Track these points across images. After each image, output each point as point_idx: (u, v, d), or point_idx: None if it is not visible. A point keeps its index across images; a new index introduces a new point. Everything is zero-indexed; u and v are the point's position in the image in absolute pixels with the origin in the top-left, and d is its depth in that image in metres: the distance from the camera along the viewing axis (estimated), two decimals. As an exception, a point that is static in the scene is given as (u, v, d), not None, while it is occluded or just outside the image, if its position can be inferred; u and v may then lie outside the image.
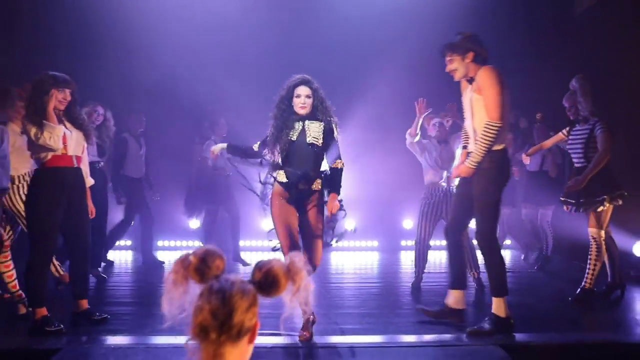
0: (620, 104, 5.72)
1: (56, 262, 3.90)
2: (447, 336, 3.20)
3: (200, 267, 1.20)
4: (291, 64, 4.18)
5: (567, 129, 4.26)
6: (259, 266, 1.23)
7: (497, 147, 3.14)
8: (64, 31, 6.00)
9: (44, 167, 3.19)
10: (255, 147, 3.45)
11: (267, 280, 1.22)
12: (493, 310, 3.17)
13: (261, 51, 6.29)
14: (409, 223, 6.86)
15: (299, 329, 3.04)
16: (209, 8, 6.21)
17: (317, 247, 3.22)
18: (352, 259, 6.09)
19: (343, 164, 3.34)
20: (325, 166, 3.34)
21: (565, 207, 4.18)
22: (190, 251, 1.23)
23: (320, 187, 3.28)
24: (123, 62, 6.03)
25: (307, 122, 3.30)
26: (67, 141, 3.18)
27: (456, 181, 3.81)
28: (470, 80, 3.31)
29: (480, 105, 3.21)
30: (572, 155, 4.21)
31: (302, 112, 3.29)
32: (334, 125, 3.31)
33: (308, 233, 3.23)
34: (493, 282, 3.23)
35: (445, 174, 4.50)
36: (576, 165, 4.14)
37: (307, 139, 3.26)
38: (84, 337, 3.09)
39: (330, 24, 6.27)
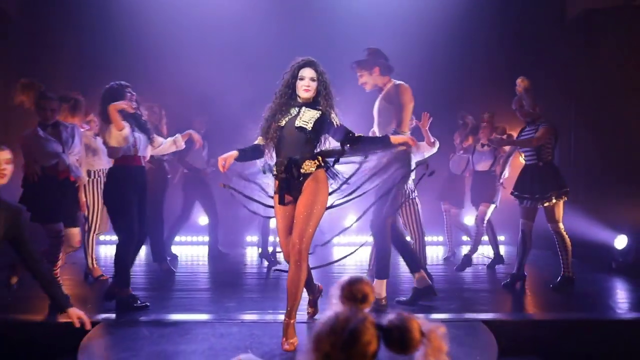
0: (610, 107, 6.13)
1: (94, 256, 4.44)
2: (435, 315, 3.64)
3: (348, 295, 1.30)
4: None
5: (520, 132, 4.68)
6: (396, 320, 1.22)
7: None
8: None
9: (118, 165, 3.72)
10: (260, 141, 3.24)
11: (398, 338, 1.21)
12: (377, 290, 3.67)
13: (264, 49, 6.58)
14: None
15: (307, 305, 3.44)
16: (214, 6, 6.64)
17: (301, 229, 3.03)
18: (355, 254, 6.49)
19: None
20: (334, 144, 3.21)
21: (520, 202, 4.55)
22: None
23: (313, 169, 3.10)
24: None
25: (304, 108, 3.16)
26: (137, 143, 3.73)
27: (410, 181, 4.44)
28: (380, 90, 3.85)
29: (387, 114, 3.76)
30: (524, 154, 4.61)
31: (305, 95, 3.14)
32: (332, 117, 3.14)
33: (297, 214, 3.08)
34: (377, 265, 3.82)
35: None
36: (527, 163, 4.55)
37: (296, 123, 3.12)
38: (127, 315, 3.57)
39: (334, 20, 6.69)
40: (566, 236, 4.40)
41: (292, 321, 3.06)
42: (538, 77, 6.41)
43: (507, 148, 5.20)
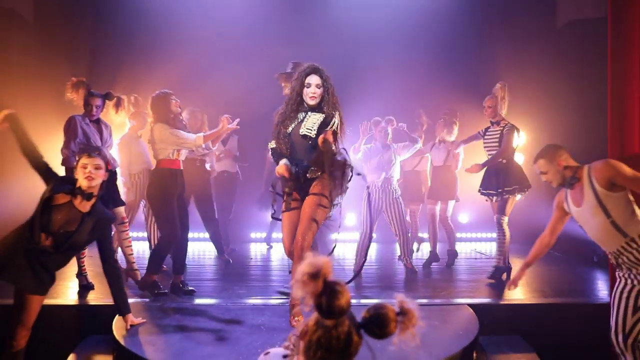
0: (598, 112, 6.56)
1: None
2: (423, 300, 4.11)
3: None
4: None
5: (483, 130, 5.05)
6: (372, 308, 1.39)
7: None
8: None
9: (161, 168, 4.18)
10: (273, 144, 3.54)
11: (376, 323, 1.37)
12: None
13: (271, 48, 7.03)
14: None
15: None
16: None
17: (304, 229, 3.34)
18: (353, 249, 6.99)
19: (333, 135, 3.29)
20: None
21: (488, 199, 4.91)
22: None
23: (318, 174, 3.39)
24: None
25: (309, 113, 3.42)
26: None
27: (395, 181, 5.20)
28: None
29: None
30: (488, 153, 4.97)
31: (312, 102, 3.40)
32: (334, 120, 3.38)
33: (302, 214, 3.40)
34: None
35: (383, 174, 5.26)
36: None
37: (300, 130, 3.37)
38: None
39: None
40: (507, 229, 4.78)
41: (297, 303, 3.53)
42: (529, 79, 6.98)
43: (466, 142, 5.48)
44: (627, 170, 2.94)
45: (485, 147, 5.05)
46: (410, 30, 7.18)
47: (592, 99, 6.02)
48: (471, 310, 3.77)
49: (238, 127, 4.34)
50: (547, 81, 7.08)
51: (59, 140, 4.42)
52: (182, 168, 4.31)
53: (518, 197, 4.81)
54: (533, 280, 4.87)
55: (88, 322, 3.76)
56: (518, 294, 4.30)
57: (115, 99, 4.44)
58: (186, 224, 4.31)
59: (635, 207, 2.99)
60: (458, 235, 7.55)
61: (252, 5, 7.20)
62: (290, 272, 3.63)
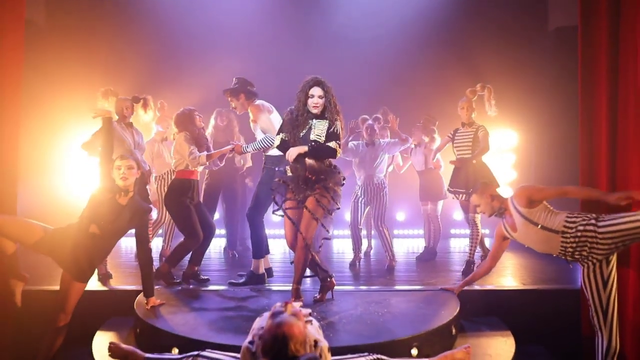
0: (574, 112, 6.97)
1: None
2: (413, 287, 4.64)
3: None
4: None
5: (452, 133, 5.41)
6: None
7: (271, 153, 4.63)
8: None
9: (180, 178, 4.65)
10: (283, 136, 4.02)
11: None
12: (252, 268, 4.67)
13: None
14: (401, 215, 8.20)
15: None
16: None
17: (306, 224, 3.87)
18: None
19: (337, 147, 3.89)
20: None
21: (455, 196, 5.31)
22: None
23: (323, 177, 3.90)
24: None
25: (315, 121, 3.92)
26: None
27: (382, 176, 5.66)
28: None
29: (262, 129, 4.69)
30: (458, 152, 5.31)
31: (314, 111, 3.89)
32: (336, 126, 3.90)
33: (305, 213, 3.90)
34: (253, 246, 4.72)
35: (364, 171, 5.68)
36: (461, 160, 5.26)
37: (311, 136, 3.90)
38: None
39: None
40: (480, 226, 5.19)
41: (298, 286, 4.05)
42: (522, 81, 7.41)
43: (441, 146, 5.83)
44: (538, 187, 3.81)
45: (456, 147, 5.37)
46: (403, 32, 7.59)
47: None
48: (455, 295, 4.25)
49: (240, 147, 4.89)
50: (538, 83, 7.50)
51: (73, 135, 4.87)
52: (198, 179, 4.78)
53: None
54: (516, 269, 5.36)
55: (109, 305, 4.26)
56: (500, 282, 4.78)
57: (141, 100, 4.93)
58: (209, 224, 4.79)
59: (552, 209, 3.74)
60: (453, 231, 8.12)
61: (254, 9, 7.70)
62: (291, 262, 4.13)
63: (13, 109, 3.91)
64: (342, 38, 7.63)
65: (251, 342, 2.37)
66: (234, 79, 4.89)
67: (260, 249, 4.74)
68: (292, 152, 3.91)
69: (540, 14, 7.87)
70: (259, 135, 4.75)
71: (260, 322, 2.52)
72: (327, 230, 4.70)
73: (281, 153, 4.16)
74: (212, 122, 6.09)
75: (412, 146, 6.18)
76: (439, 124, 6.38)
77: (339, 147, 3.96)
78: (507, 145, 7.80)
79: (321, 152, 3.91)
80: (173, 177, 4.94)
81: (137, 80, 6.90)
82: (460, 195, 5.28)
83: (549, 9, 7.92)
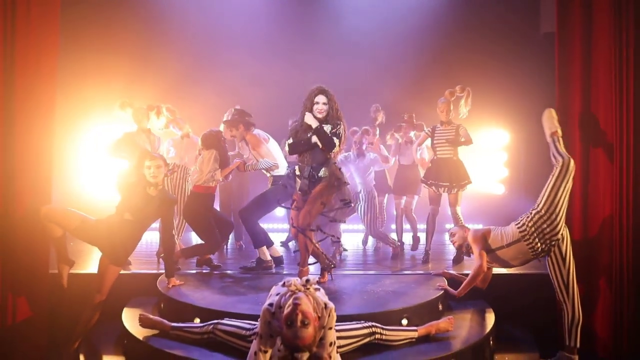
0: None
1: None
2: (407, 272, 5.21)
3: None
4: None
5: (429, 130, 5.82)
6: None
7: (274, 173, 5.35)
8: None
9: (198, 192, 5.09)
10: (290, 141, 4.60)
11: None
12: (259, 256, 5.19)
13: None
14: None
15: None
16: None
17: (305, 211, 4.40)
18: (352, 239, 8.03)
19: (337, 143, 4.42)
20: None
21: (436, 189, 5.65)
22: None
23: (326, 174, 4.44)
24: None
25: (320, 125, 4.45)
26: (215, 176, 5.15)
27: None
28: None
29: (257, 154, 5.35)
30: (438, 149, 5.70)
31: (319, 116, 4.44)
32: (339, 129, 4.43)
33: (308, 200, 4.44)
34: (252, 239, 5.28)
35: (359, 179, 6.18)
36: (441, 156, 5.69)
37: (313, 138, 4.45)
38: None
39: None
40: (461, 217, 5.61)
41: (302, 268, 4.59)
42: (516, 83, 7.89)
43: (421, 142, 6.13)
44: (473, 241, 4.46)
45: (436, 144, 5.75)
46: (398, 36, 8.07)
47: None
48: (443, 278, 4.79)
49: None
50: (529, 86, 7.89)
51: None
52: (215, 192, 5.26)
53: (463, 190, 5.67)
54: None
55: (132, 287, 4.79)
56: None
57: (155, 108, 5.51)
58: (226, 222, 5.37)
59: (499, 228, 4.46)
60: (449, 226, 8.59)
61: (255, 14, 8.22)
62: (294, 251, 4.68)
63: (48, 110, 4.43)
64: (346, 40, 8.10)
65: (270, 304, 2.97)
66: (232, 109, 5.47)
67: (259, 239, 5.27)
68: (308, 117, 4.46)
69: (532, 19, 8.34)
70: (260, 159, 5.39)
71: (277, 289, 3.13)
72: (338, 238, 5.41)
73: (284, 172, 4.94)
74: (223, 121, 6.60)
75: (403, 142, 6.54)
76: (429, 122, 6.70)
77: (339, 146, 4.48)
78: (499, 145, 8.35)
79: (324, 135, 4.43)
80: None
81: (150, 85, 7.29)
82: (441, 189, 5.66)
83: (541, 15, 8.44)
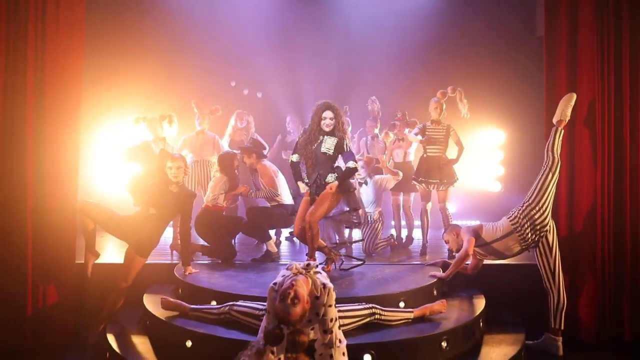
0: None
1: None
2: (411, 263, 5.67)
3: None
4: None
5: (419, 128, 6.11)
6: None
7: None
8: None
9: (211, 210, 5.58)
10: (295, 158, 5.05)
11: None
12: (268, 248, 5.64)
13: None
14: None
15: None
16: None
17: (313, 209, 4.80)
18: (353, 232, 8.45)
19: (355, 164, 4.79)
20: (342, 165, 4.95)
21: (427, 186, 5.98)
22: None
23: (332, 179, 4.81)
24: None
25: (325, 137, 4.85)
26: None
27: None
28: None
29: (264, 182, 5.92)
30: (429, 147, 6.02)
31: (327, 129, 4.82)
32: (345, 141, 4.82)
33: (315, 202, 4.84)
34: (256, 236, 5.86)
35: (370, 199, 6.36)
36: (434, 155, 6.00)
37: (322, 149, 4.84)
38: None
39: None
40: (450, 213, 6.00)
41: (312, 260, 5.03)
42: (512, 84, 8.23)
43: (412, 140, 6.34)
44: (465, 232, 4.88)
45: (426, 142, 6.04)
46: (396, 37, 8.33)
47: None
48: (440, 269, 5.23)
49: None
50: (525, 86, 8.24)
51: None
52: (225, 211, 5.80)
53: (452, 186, 6.06)
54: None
55: (150, 275, 5.20)
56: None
57: (167, 117, 5.99)
58: (238, 223, 5.86)
59: (490, 222, 4.94)
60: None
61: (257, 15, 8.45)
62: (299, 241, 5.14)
63: (74, 111, 4.88)
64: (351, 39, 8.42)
65: (274, 284, 3.44)
66: (250, 138, 6.28)
67: (263, 234, 5.76)
68: (333, 185, 4.80)
69: (528, 22, 8.59)
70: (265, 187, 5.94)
71: (283, 272, 3.59)
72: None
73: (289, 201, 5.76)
74: (231, 122, 7.05)
75: (396, 139, 6.76)
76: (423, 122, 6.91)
77: (355, 161, 4.85)
78: (496, 143, 8.76)
79: (346, 176, 4.84)
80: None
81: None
82: (431, 186, 6.02)
83: (536, 18, 8.81)
